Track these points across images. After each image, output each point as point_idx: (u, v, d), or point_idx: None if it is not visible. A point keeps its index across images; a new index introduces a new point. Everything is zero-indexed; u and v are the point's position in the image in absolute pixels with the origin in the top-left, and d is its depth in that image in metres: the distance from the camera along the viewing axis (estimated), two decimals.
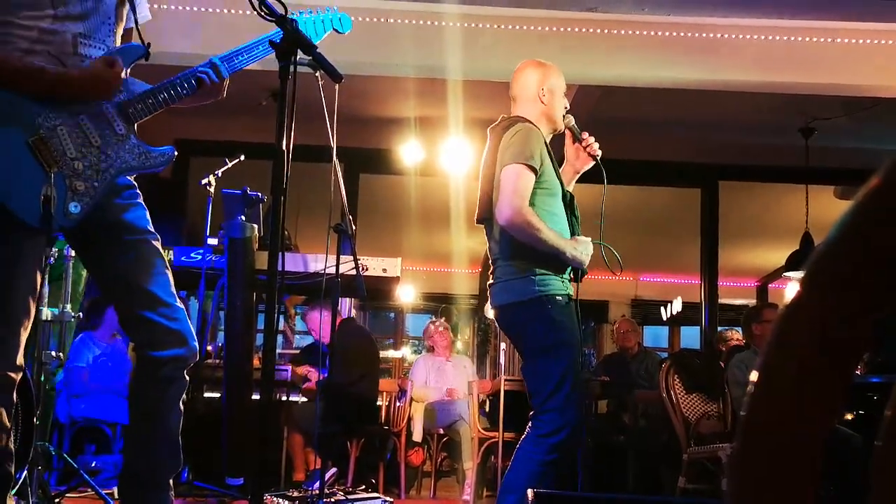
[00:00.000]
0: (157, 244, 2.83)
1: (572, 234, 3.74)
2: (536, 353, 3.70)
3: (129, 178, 2.83)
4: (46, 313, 4.51)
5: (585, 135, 3.90)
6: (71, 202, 2.60)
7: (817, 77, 6.49)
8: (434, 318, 8.79)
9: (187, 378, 2.81)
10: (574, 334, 3.64)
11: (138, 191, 2.87)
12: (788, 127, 8.32)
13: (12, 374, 2.64)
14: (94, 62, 2.69)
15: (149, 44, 2.82)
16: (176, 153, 2.89)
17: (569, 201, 3.81)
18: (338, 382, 6.10)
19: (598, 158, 3.89)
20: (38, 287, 2.72)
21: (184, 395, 2.83)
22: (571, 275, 3.75)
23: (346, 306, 6.90)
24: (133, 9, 2.87)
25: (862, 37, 6.30)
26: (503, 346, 8.10)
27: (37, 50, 2.62)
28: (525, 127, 3.74)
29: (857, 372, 5.75)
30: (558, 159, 3.89)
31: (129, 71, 2.79)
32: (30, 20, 2.61)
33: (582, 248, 3.67)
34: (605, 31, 6.27)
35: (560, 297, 3.64)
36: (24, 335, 2.67)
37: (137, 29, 2.86)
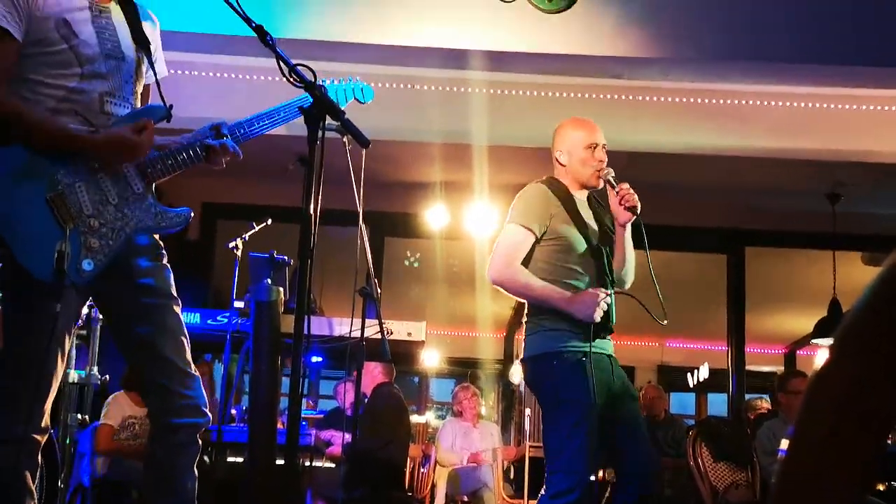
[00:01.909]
0: (178, 309, 2.82)
1: (602, 286, 3.69)
2: (546, 410, 3.70)
3: (154, 238, 2.85)
4: (73, 375, 4.53)
5: (623, 186, 3.83)
6: (84, 259, 2.60)
7: (843, 143, 6.49)
8: (463, 383, 8.74)
9: (200, 442, 2.81)
10: (583, 392, 3.54)
11: (163, 251, 2.88)
12: (814, 193, 8.30)
13: (38, 437, 2.64)
14: (121, 127, 2.71)
15: (170, 105, 2.84)
16: (192, 214, 2.87)
17: (598, 254, 3.77)
18: (364, 447, 6.06)
19: (636, 210, 3.78)
20: (67, 347, 2.73)
21: (204, 459, 2.83)
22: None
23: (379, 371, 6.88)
24: (152, 66, 2.90)
25: (887, 104, 6.31)
26: (528, 411, 8.04)
27: (63, 109, 2.65)
28: (530, 188, 3.86)
29: (889, 441, 5.65)
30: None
31: None
32: (58, 79, 2.65)
33: (581, 300, 3.59)
34: (631, 97, 6.31)
35: (569, 354, 3.60)
36: (51, 396, 2.67)
37: (159, 88, 2.89)
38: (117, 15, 2.83)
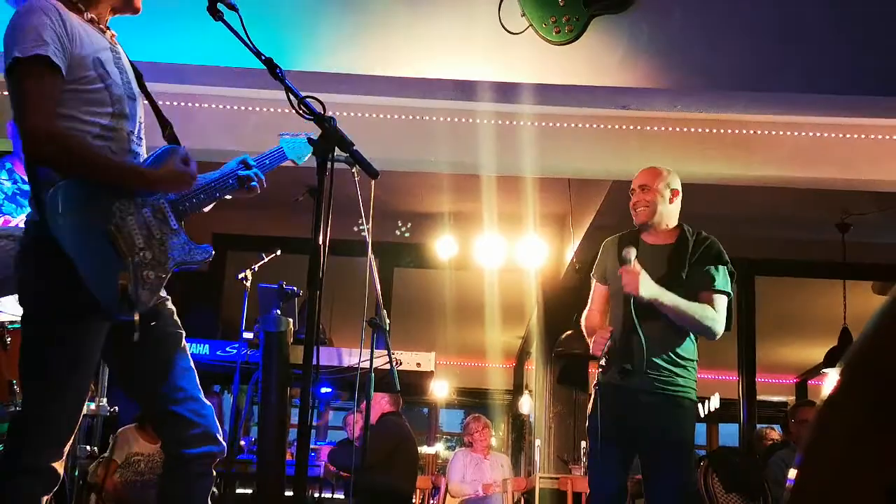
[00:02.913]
0: (184, 338, 2.87)
1: (631, 324, 3.91)
2: None
3: None
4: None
5: (625, 268, 3.99)
6: (143, 291, 2.65)
7: (852, 173, 6.48)
8: (475, 414, 8.70)
9: (215, 472, 2.81)
10: (593, 422, 3.96)
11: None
12: (824, 222, 8.29)
13: (57, 466, 2.64)
14: (170, 160, 2.78)
15: (184, 147, 2.91)
16: (213, 252, 2.94)
17: (627, 300, 3.96)
18: (363, 472, 6.04)
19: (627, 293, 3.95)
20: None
21: (213, 490, 2.83)
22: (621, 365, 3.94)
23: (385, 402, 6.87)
24: (155, 109, 2.98)
25: None
26: (538, 442, 8.00)
27: (98, 146, 2.68)
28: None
29: None
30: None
31: None
32: (92, 116, 2.67)
33: (592, 339, 4.10)
34: (639, 127, 6.32)
35: (597, 388, 4.02)
36: (75, 426, 2.69)
37: (171, 131, 2.95)
38: (125, 57, 2.89)
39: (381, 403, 6.69)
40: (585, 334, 4.30)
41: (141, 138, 2.85)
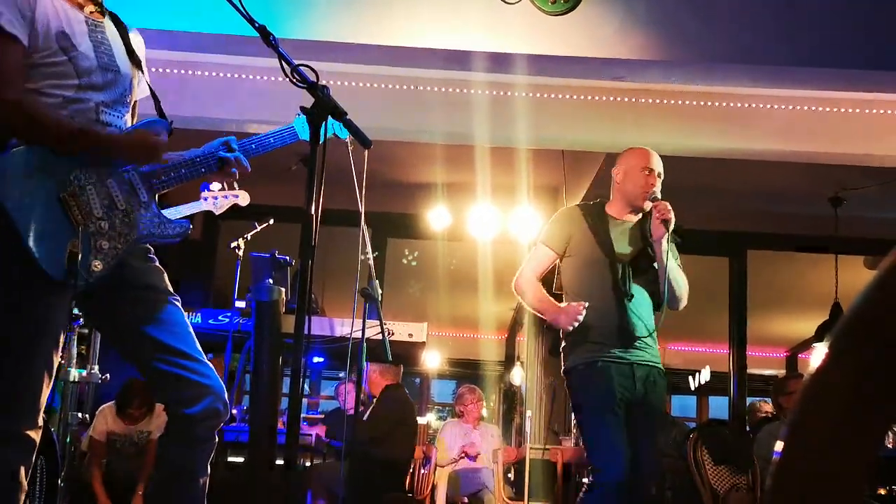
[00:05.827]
0: (179, 305, 2.86)
1: (622, 296, 4.03)
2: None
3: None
4: (74, 374, 4.53)
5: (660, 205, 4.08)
6: (94, 260, 2.62)
7: (846, 147, 6.48)
8: (469, 385, 8.72)
9: (217, 439, 2.81)
10: (593, 396, 3.96)
11: (153, 255, 2.91)
12: (817, 196, 8.30)
13: (32, 434, 2.64)
14: (144, 129, 2.77)
15: (171, 121, 2.89)
16: (191, 227, 2.93)
17: (615, 270, 4.05)
18: (361, 446, 6.06)
19: (669, 225, 4.03)
20: (61, 345, 2.74)
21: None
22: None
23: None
24: (150, 88, 2.96)
25: (891, 108, 6.29)
26: (529, 413, 8.04)
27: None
28: (557, 213, 4.36)
29: (889, 445, 5.64)
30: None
31: None
32: (55, 89, 2.66)
33: (562, 311, 4.00)
34: (633, 99, 6.31)
35: (581, 367, 4.00)
36: (46, 393, 2.68)
37: (158, 104, 2.94)
38: (111, 30, 2.87)
39: (384, 376, 6.70)
40: (522, 295, 4.24)
41: (121, 110, 2.81)
